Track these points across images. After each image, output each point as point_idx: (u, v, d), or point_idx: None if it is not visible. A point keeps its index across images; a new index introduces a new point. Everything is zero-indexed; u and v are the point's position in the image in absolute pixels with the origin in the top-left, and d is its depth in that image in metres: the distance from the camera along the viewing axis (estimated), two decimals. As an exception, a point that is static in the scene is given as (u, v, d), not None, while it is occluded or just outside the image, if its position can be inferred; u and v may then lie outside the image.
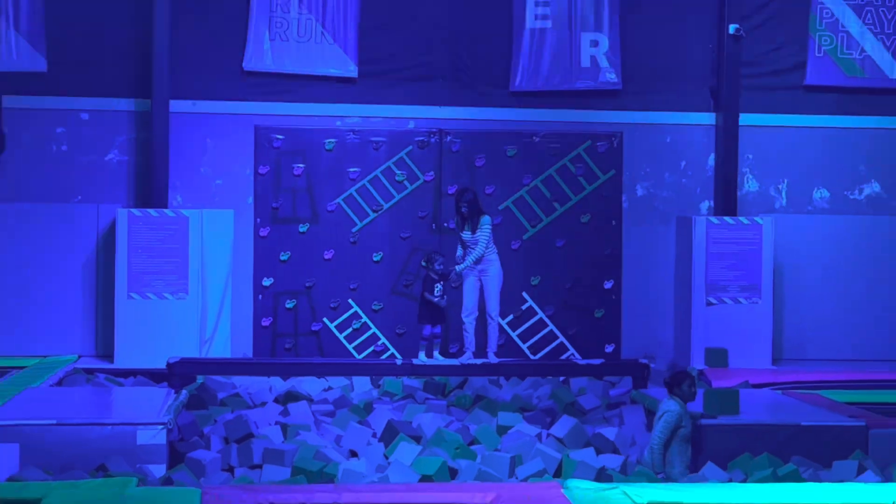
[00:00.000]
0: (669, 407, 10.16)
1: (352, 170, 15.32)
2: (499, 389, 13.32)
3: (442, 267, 12.87)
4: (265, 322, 15.18)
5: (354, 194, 15.33)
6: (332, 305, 15.25)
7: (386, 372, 13.31)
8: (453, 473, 9.96)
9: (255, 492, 7.95)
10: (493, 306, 12.95)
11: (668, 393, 10.39)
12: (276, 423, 11.54)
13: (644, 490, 7.96)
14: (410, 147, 15.39)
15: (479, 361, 12.96)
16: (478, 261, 12.84)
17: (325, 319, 15.24)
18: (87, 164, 15.28)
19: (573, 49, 15.63)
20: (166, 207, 14.92)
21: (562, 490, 7.95)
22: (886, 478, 9.59)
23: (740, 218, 15.34)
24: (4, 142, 15.09)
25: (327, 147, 15.31)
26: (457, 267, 12.91)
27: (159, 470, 9.74)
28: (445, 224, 15.16)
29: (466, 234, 12.93)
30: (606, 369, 13.52)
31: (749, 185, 16.00)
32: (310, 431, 11.29)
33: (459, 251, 13.09)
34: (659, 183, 15.91)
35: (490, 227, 12.92)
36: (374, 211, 15.33)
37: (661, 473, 10.01)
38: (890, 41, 15.96)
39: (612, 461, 10.57)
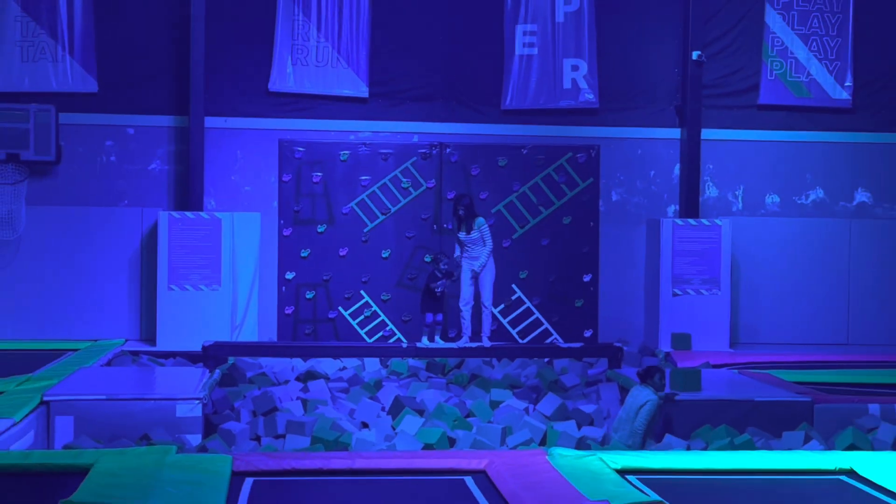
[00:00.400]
0: (650, 397, 9.99)
1: (363, 178, 15.31)
2: (491, 369, 13.30)
3: (446, 267, 12.82)
4: (288, 310, 15.17)
5: (366, 199, 15.32)
6: (346, 296, 15.24)
7: (393, 354, 13.30)
8: (452, 442, 9.95)
9: (280, 458, 7.94)
10: (487, 297, 12.89)
11: (640, 382, 10.31)
12: (298, 398, 11.53)
13: (618, 457, 7.96)
14: (414, 158, 15.37)
15: (474, 345, 12.93)
16: (489, 255, 12.74)
17: (340, 308, 15.23)
18: (133, 173, 15.27)
19: (556, 73, 15.61)
20: (202, 210, 14.90)
21: (546, 457, 7.95)
22: (829, 446, 9.59)
23: (702, 220, 15.33)
24: (61, 153, 15.08)
25: (342, 158, 15.30)
26: (475, 266, 12.73)
27: (195, 439, 9.74)
28: (445, 225, 15.16)
29: (463, 235, 12.87)
30: (585, 352, 13.51)
31: (710, 191, 15.99)
32: (327, 406, 11.28)
33: (458, 251, 13.02)
34: (631, 189, 15.90)
35: (487, 226, 12.86)
36: (382, 214, 15.31)
37: None
38: (833, 66, 15.95)
39: (590, 432, 10.57)
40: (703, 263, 15.15)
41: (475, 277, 12.74)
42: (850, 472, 7.87)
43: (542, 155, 15.48)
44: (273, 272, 15.16)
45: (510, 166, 15.44)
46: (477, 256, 12.77)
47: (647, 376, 10.23)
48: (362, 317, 15.22)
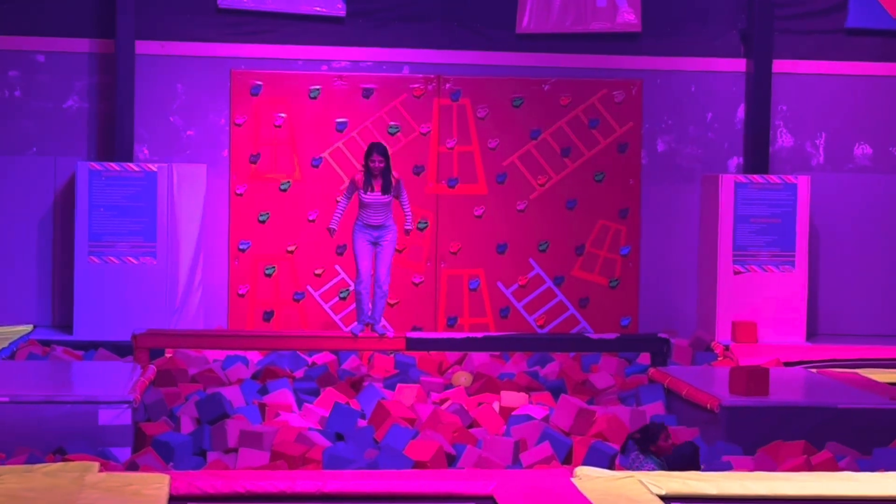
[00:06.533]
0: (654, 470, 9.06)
1: (339, 120, 15.29)
2: (501, 366, 13.34)
3: None
4: (242, 290, 15.19)
5: (342, 147, 15.31)
6: (316, 272, 15.25)
7: (376, 346, 13.32)
8: (450, 460, 9.99)
9: (230, 479, 7.96)
10: (386, 275, 12.61)
11: (638, 450, 9.33)
12: (254, 402, 11.55)
13: (663, 480, 7.97)
14: (404, 95, 15.35)
15: (479, 335, 12.90)
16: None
17: (308, 287, 15.24)
18: (44, 113, 15.24)
19: (588, -14, 15.59)
20: (131, 161, 14.89)
21: (571, 478, 7.97)
22: (933, 467, 9.61)
23: (772, 177, 15.32)
24: (-49, 86, 15.08)
25: (312, 95, 15.28)
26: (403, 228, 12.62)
27: (123, 453, 9.76)
28: (444, 182, 15.16)
29: (373, 196, 12.39)
30: (622, 344, 13.53)
31: (783, 139, 15.99)
32: (291, 412, 11.30)
33: (339, 215, 12.58)
34: (682, 137, 15.89)
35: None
36: (363, 166, 15.30)
37: None
38: (942, -21, 15.91)
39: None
40: (773, 232, 15.16)
41: (375, 251, 12.54)
42: (960, 501, 7.90)
43: (569, 92, 15.47)
44: (223, 241, 15.18)
45: (527, 106, 15.44)
46: (383, 224, 12.53)
47: (646, 441, 9.35)
48: (337, 299, 15.24)
